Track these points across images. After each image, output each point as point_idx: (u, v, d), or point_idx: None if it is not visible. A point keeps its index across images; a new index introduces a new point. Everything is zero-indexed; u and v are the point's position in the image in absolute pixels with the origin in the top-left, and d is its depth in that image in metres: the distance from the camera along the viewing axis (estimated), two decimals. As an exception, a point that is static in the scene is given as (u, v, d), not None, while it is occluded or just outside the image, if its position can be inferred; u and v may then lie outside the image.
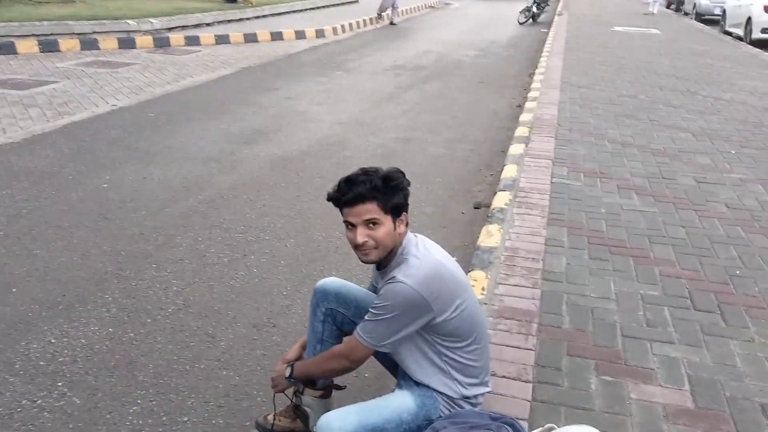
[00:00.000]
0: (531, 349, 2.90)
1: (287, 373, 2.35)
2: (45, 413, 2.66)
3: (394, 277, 2.01)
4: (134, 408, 2.72)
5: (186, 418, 2.67)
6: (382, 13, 17.24)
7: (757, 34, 14.61)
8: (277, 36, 13.46)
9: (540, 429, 2.23)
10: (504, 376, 2.70)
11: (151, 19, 12.83)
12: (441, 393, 2.17)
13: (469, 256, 3.92)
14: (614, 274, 3.65)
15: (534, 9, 18.51)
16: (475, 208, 4.96)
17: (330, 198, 2.09)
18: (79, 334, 3.21)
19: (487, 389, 2.28)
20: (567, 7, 22.00)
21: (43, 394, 2.77)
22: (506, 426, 1.97)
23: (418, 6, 21.70)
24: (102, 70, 9.49)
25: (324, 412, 2.39)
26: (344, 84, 9.50)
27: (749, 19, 15.04)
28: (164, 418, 2.67)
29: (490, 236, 4.02)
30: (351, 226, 2.06)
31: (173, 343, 3.16)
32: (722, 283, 3.58)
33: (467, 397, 2.20)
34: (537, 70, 10.26)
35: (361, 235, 2.04)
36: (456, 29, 16.82)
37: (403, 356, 2.19)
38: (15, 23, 10.96)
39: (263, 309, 3.48)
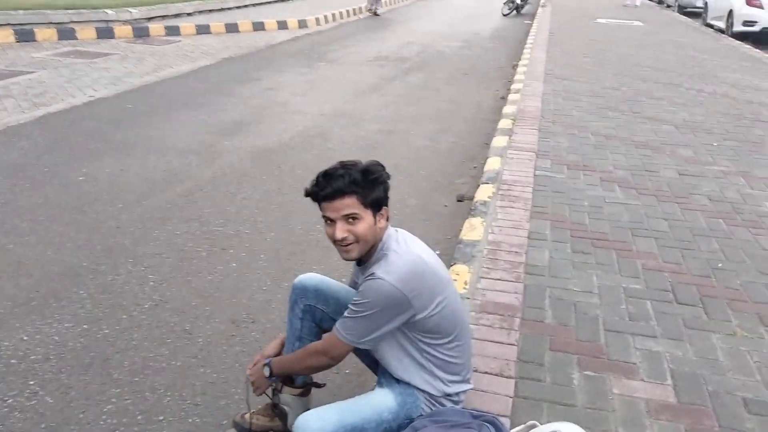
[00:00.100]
0: (513, 345, 2.87)
1: (267, 372, 2.29)
2: (16, 413, 2.59)
3: (373, 274, 1.96)
4: (108, 407, 2.65)
5: (162, 417, 2.61)
6: (372, 8, 17.01)
7: (738, 27, 14.70)
8: (258, 26, 13.32)
9: (522, 426, 2.20)
10: (486, 372, 2.67)
11: (130, 9, 12.62)
12: (422, 391, 2.13)
13: (451, 249, 3.89)
14: (597, 267, 3.63)
15: (518, 0, 18.47)
16: (458, 200, 4.92)
17: (308, 193, 2.03)
18: (53, 331, 3.13)
19: (469, 386, 2.24)
20: (550, -1, 22.00)
21: (14, 393, 2.70)
22: (487, 424, 1.94)
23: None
24: (79, 61, 9.32)
25: (303, 411, 2.35)
26: (327, 75, 9.41)
27: (731, 11, 15.13)
28: (139, 417, 2.60)
29: (472, 229, 3.99)
30: (330, 221, 2.01)
31: (149, 340, 3.09)
32: (704, 276, 3.58)
33: (449, 395, 2.16)
34: (521, 62, 10.24)
35: (341, 230, 1.98)
36: (440, 20, 16.74)
37: (383, 353, 2.15)
38: (-10, 12, 10.74)
39: (242, 304, 3.42)
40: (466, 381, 2.22)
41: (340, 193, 1.95)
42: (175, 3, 13.94)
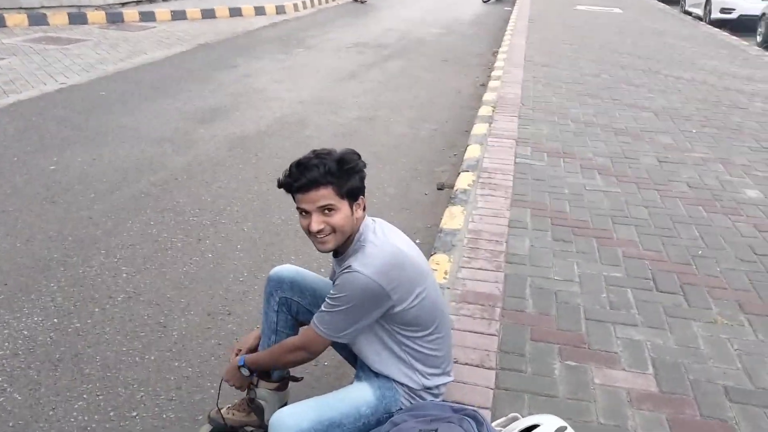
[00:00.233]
0: (494, 335, 2.83)
1: (246, 373, 2.23)
2: (-18, 411, 2.50)
3: (350, 267, 1.89)
4: (80, 403, 2.58)
5: (135, 413, 2.54)
6: None
7: (716, 15, 14.78)
8: (235, 12, 13.11)
9: (503, 419, 2.17)
10: (467, 364, 2.63)
11: (104, -6, 12.34)
12: (401, 384, 2.08)
13: (431, 238, 3.84)
14: (577, 255, 3.60)
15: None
16: (438, 189, 4.88)
17: (281, 184, 1.96)
18: (22, 326, 3.04)
19: (450, 379, 2.20)
20: (530, -14, 21.92)
21: (-20, 390, 2.61)
22: (468, 418, 1.89)
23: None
24: (51, 47, 9.09)
25: (280, 405, 2.31)
26: (305, 62, 9.29)
27: (708, -1, 15.21)
28: (112, 414, 2.53)
29: (453, 218, 3.94)
30: (305, 213, 1.94)
31: (122, 334, 3.01)
32: (685, 263, 3.57)
33: (429, 388, 2.11)
34: (501, 49, 10.19)
35: (317, 222, 1.92)
36: (420, 7, 16.60)
37: (361, 346, 2.09)
38: (-43, -4, 10.44)
39: (218, 296, 3.35)
40: (446, 373, 2.17)
41: (314, 184, 1.88)
42: (150, -12, 13.66)
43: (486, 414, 2.33)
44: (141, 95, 7.00)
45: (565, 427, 2.03)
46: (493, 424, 2.12)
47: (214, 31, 11.20)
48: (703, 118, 6.61)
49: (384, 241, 1.96)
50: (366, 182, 2.01)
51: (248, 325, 3.07)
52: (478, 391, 2.49)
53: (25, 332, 2.99)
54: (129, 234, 3.95)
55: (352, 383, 2.17)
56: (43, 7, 11.14)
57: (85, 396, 2.62)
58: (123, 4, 12.51)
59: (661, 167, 5.07)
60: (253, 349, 2.35)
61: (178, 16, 12.21)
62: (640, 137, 5.82)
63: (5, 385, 2.65)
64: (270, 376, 2.36)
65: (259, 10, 13.46)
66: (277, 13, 13.70)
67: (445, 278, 3.25)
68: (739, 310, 3.13)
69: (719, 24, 14.53)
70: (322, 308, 1.97)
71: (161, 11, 12.16)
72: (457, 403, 2.19)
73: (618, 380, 2.60)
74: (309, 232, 1.95)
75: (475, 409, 1.99)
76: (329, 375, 2.76)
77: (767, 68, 9.73)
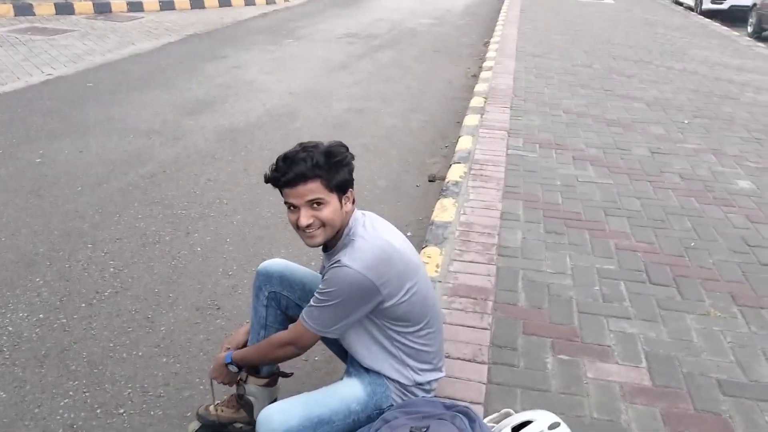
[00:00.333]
0: (486, 329, 2.80)
1: (234, 369, 2.19)
2: (-35, 409, 2.46)
3: (339, 261, 1.85)
4: (66, 400, 2.54)
5: (122, 410, 2.50)
6: None
7: (707, 5, 14.81)
8: (225, 2, 13.00)
9: (496, 415, 2.15)
10: (459, 358, 2.60)
11: (91, -17, 12.18)
12: (392, 380, 2.05)
13: (423, 230, 3.81)
14: (570, 248, 3.57)
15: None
16: (429, 180, 4.84)
17: (268, 179, 1.91)
18: (6, 322, 2.99)
19: (441, 374, 2.16)
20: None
21: (-37, 388, 2.56)
22: (460, 415, 1.86)
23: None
24: (37, 38, 8.98)
25: (269, 401, 2.27)
26: (295, 52, 9.21)
27: (700, -11, 15.21)
28: (98, 411, 2.49)
29: (444, 210, 3.91)
30: (293, 207, 1.89)
31: (109, 329, 2.97)
32: (677, 255, 3.55)
33: (420, 384, 2.08)
34: (492, 39, 10.14)
35: (306, 216, 1.87)
36: (410, -3, 16.51)
37: (351, 342, 2.05)
38: (-59, -14, 10.29)
39: (207, 290, 3.30)
40: (438, 369, 2.14)
41: (302, 178, 1.83)
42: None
43: (478, 410, 2.31)
44: (129, 86, 6.91)
45: (559, 423, 2.01)
46: (486, 420, 2.09)
47: (203, 21, 11.10)
48: (695, 108, 6.59)
49: (374, 235, 1.92)
50: (356, 174, 1.96)
51: (237, 319, 3.02)
52: (471, 386, 2.46)
53: (10, 328, 2.94)
54: (116, 227, 3.89)
55: (342, 379, 2.13)
56: (29, -4, 11.00)
57: (71, 393, 2.57)
58: (111, -6, 12.36)
59: (653, 158, 5.05)
60: (243, 345, 2.32)
61: (167, 6, 12.10)
62: (631, 128, 5.80)
63: (-11, 383, 2.60)
64: (259, 371, 2.33)
65: (249, 1, 13.36)
66: (266, 4, 13.60)
67: (436, 271, 3.21)
68: (732, 302, 3.11)
69: (710, 14, 14.55)
70: (311, 303, 1.94)
71: (149, 1, 12.03)
72: (449, 399, 2.16)
73: (611, 374, 2.57)
74: (297, 226, 1.90)
75: (467, 405, 1.96)
76: (319, 370, 2.72)
77: (758, 58, 9.74)
